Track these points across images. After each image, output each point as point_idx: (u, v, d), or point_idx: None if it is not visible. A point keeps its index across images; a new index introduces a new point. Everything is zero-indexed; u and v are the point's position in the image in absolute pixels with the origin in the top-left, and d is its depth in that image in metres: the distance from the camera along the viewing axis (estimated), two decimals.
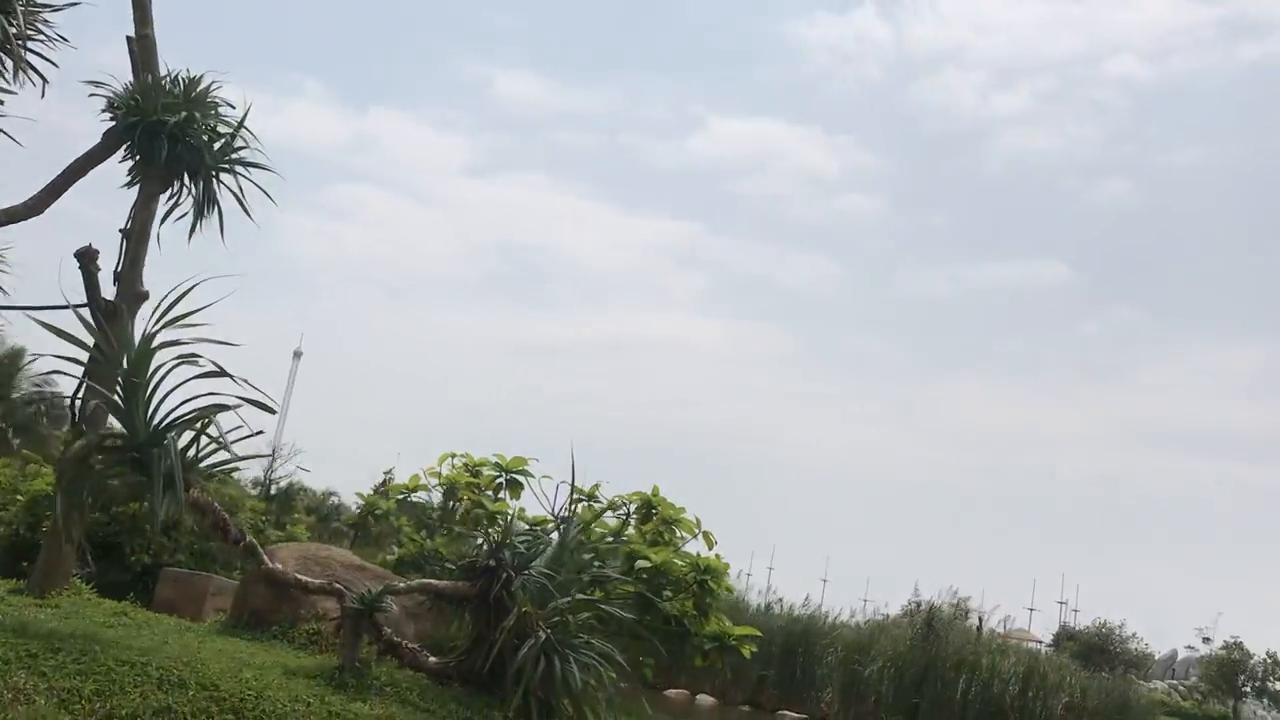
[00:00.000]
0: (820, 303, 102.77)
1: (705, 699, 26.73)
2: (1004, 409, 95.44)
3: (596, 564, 10.52)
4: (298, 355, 65.92)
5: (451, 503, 11.92)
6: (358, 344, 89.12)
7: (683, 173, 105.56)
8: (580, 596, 9.03)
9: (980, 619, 27.67)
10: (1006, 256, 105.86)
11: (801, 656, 26.89)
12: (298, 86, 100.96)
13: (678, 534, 11.98)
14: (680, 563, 10.98)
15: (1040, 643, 53.77)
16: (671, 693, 26.83)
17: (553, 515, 10.58)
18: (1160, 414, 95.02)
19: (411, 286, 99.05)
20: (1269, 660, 45.85)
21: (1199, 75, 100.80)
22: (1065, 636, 49.83)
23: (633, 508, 12.12)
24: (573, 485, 9.34)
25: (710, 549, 11.69)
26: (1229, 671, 46.06)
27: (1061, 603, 58.84)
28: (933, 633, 26.44)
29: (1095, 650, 44.73)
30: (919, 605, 30.17)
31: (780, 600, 31.13)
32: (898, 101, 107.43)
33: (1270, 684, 45.77)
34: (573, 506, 9.54)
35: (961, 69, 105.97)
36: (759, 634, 11.89)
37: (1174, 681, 50.68)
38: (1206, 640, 49.54)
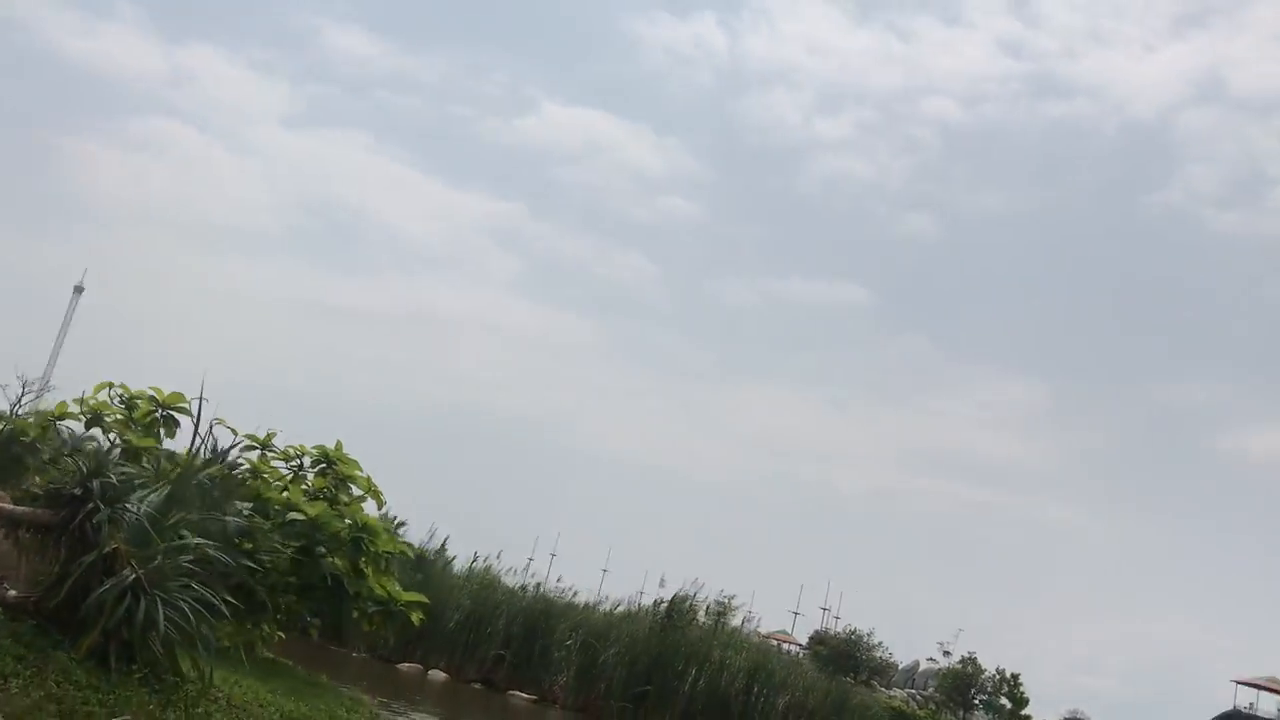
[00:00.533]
0: (632, 299, 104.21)
1: (438, 674, 26.32)
2: (795, 419, 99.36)
3: (245, 511, 9.99)
4: (79, 290, 61.40)
5: (101, 434, 11.08)
6: (150, 285, 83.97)
7: (510, 152, 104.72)
8: (194, 540, 8.49)
9: (720, 614, 28.31)
10: (813, 275, 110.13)
11: (541, 638, 26.86)
12: (110, 8, 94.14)
13: (354, 491, 11.57)
14: (338, 520, 10.55)
15: (799, 645, 55.94)
16: (405, 666, 26.32)
17: (210, 455, 9.95)
18: (935, 439, 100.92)
19: (214, 232, 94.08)
20: (998, 676, 49.16)
21: (1006, 125, 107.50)
22: (817, 641, 51.88)
23: (308, 460, 11.61)
24: (195, 423, 8.78)
25: (380, 509, 11.34)
26: (962, 684, 49.10)
27: (825, 609, 61.31)
28: (672, 624, 26.89)
29: (843, 656, 46.73)
30: (683, 597, 30.59)
31: (538, 584, 31.04)
32: (727, 111, 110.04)
33: (996, 698, 49.07)
34: (197, 447, 8.96)
35: (790, 88, 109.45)
36: (426, 601, 11.57)
37: (913, 690, 53.65)
38: (947, 654, 52.69)
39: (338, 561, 10.69)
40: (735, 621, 35.17)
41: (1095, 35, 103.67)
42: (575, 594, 31.82)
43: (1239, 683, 63.32)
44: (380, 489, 11.30)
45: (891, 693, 50.62)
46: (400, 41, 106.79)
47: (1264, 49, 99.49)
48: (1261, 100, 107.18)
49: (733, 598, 43.45)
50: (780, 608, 76.58)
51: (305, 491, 10.92)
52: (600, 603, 30.41)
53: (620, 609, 29.99)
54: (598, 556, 54.67)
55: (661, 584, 28.71)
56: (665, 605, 27.49)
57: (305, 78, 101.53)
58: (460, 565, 32.40)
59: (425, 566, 31.15)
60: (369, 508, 11.36)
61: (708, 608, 27.93)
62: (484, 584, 29.25)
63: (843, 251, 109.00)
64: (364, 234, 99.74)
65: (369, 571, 10.76)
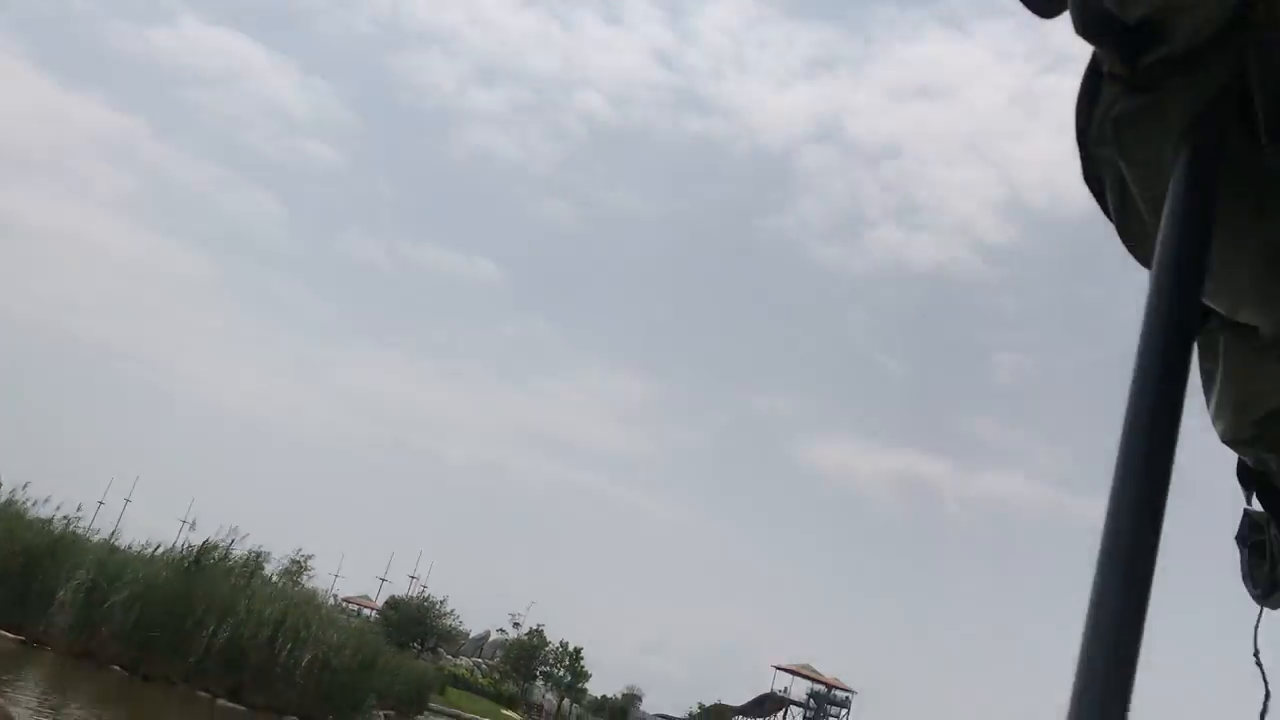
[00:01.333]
0: (255, 240, 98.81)
1: None
2: (411, 386, 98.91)
3: None
4: None
5: None
6: None
7: (137, 62, 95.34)
8: None
9: (258, 565, 27.34)
10: (448, 245, 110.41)
11: (40, 576, 24.57)
12: None
13: None
14: None
15: (377, 610, 55.64)
16: None
17: None
18: (545, 421, 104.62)
19: None
20: (560, 649, 51.74)
21: (650, 130, 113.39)
22: (391, 606, 51.89)
23: None
24: None
25: None
26: (527, 655, 51.12)
27: (413, 577, 61.41)
28: (201, 571, 25.61)
29: (413, 622, 46.99)
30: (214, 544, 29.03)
31: (62, 517, 28.33)
32: (382, 64, 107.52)
33: (556, 670, 51.61)
34: None
35: (449, 55, 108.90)
36: None
37: (480, 660, 55.18)
38: (517, 625, 54.63)
39: None
40: (311, 581, 34.25)
41: (740, 62, 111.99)
42: (116, 537, 29.59)
43: (778, 668, 70.71)
44: None
45: (458, 660, 51.70)
46: None
47: (879, 103, 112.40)
48: (871, 148, 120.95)
49: (310, 557, 42.33)
50: (370, 573, 75.86)
51: None
52: (139, 547, 28.38)
53: (156, 552, 28.16)
54: (181, 507, 51.20)
55: (192, 527, 27.18)
56: (191, 551, 26.10)
57: None
58: None
59: None
60: None
61: (285, 566, 27.01)
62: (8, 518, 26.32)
63: (480, 226, 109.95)
64: None
65: None
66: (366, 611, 54.25)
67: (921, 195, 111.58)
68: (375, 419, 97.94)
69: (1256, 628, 2.24)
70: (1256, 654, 2.17)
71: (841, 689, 69.79)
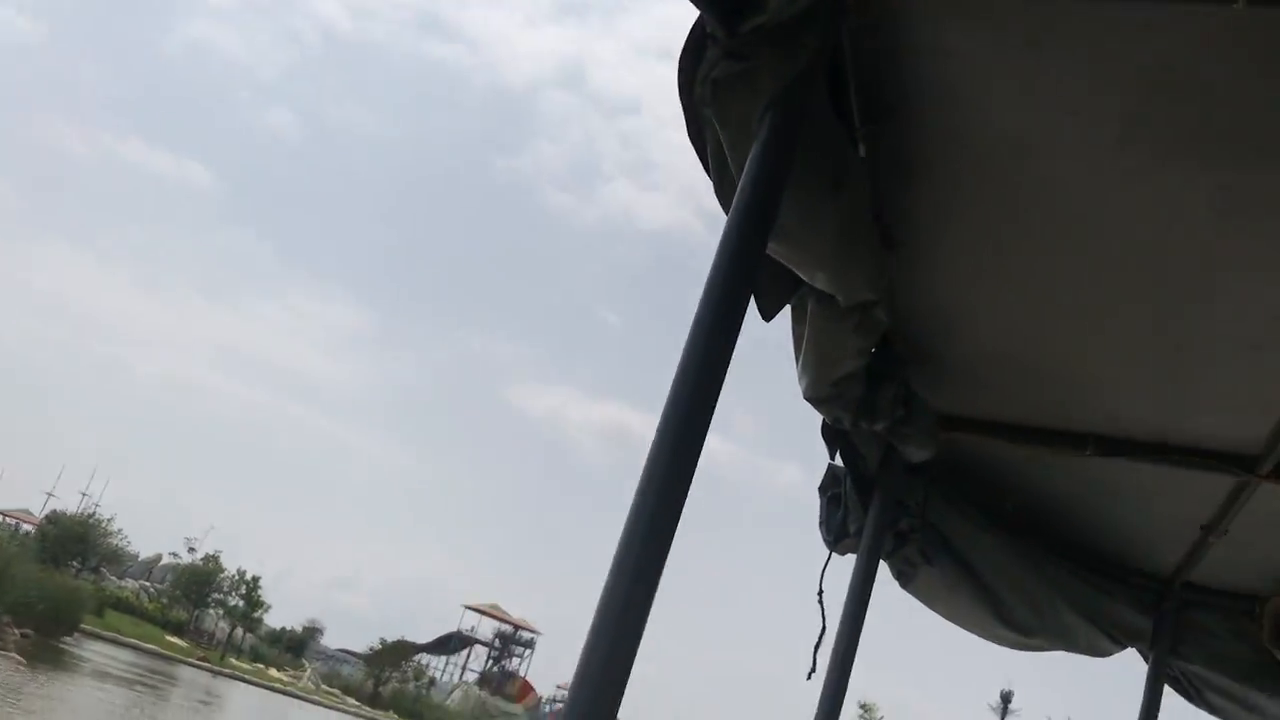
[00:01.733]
0: None
1: None
2: (96, 291, 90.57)
3: None
4: None
5: None
6: None
7: None
8: None
9: None
10: (158, 143, 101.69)
11: None
12: None
13: None
14: None
15: (36, 524, 51.10)
16: None
17: None
18: (251, 342, 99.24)
19: None
20: (237, 577, 49.41)
21: (389, 49, 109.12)
22: (50, 522, 47.68)
23: None
24: None
25: None
26: (200, 582, 48.46)
27: (85, 494, 56.51)
28: None
29: (74, 539, 43.35)
30: None
31: None
32: None
33: (231, 598, 49.25)
34: None
35: None
36: None
37: (148, 584, 51.77)
38: (192, 550, 51.61)
39: None
40: None
41: None
42: None
43: (468, 608, 71.47)
44: None
45: (123, 583, 48.29)
46: None
47: (625, 57, 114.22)
48: (613, 102, 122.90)
49: None
50: (37, 487, 69.05)
51: None
52: None
53: None
54: None
55: None
56: None
57: None
58: None
59: None
60: None
61: None
62: None
63: (195, 127, 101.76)
64: None
65: None
66: (26, 527, 49.62)
67: (657, 155, 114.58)
68: (59, 324, 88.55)
69: (824, 571, 2.53)
70: (820, 594, 2.45)
71: (528, 630, 71.59)
